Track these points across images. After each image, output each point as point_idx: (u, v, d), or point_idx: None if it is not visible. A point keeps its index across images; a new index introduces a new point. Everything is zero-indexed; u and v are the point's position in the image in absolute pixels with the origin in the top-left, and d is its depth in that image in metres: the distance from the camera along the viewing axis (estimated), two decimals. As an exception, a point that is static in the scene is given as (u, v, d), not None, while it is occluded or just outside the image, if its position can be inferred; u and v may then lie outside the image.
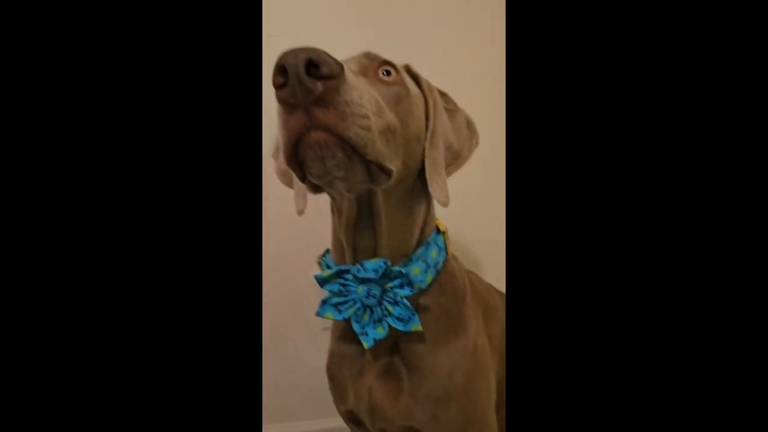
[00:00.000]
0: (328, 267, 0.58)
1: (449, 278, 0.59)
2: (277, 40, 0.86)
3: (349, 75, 0.39)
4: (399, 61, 0.60)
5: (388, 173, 0.44)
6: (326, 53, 0.36)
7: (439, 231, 0.60)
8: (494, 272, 1.01)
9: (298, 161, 0.40)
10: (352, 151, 0.40)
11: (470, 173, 0.94)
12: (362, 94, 0.40)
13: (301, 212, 0.58)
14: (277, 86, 0.37)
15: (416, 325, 0.52)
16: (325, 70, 0.36)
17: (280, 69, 0.36)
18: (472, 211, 0.99)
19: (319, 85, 0.36)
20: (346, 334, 0.61)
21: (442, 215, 0.92)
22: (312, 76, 0.36)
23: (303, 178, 0.44)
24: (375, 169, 0.43)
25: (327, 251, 0.63)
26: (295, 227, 0.90)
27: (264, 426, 0.96)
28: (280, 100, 0.38)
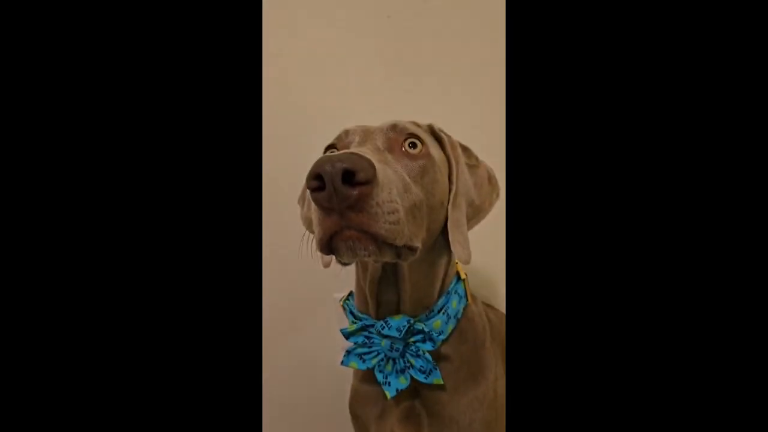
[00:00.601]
0: (352, 313, 0.60)
1: (469, 325, 0.61)
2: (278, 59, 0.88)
3: (380, 173, 0.41)
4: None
5: (414, 250, 0.46)
6: (361, 158, 0.38)
7: (459, 278, 0.62)
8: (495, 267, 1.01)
9: (333, 249, 0.43)
10: (383, 242, 0.42)
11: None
12: (392, 188, 0.42)
13: (327, 266, 0.60)
14: (313, 189, 0.38)
15: (437, 379, 0.54)
16: (361, 176, 0.38)
17: (316, 176, 0.37)
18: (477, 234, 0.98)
19: (355, 193, 0.38)
20: (368, 374, 0.63)
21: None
22: (347, 183, 0.38)
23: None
24: (403, 250, 0.44)
25: (350, 294, 0.65)
26: (295, 228, 0.93)
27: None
28: (316, 203, 0.40)
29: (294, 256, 0.96)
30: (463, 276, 0.62)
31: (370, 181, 0.39)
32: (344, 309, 0.62)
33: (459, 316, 0.59)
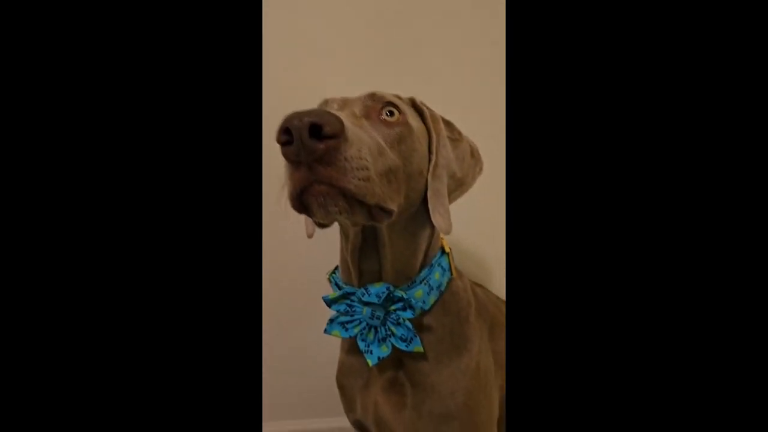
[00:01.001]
0: (337, 284, 0.61)
1: (453, 298, 0.61)
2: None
3: (350, 130, 0.42)
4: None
5: (389, 212, 0.47)
6: (327, 113, 0.39)
7: (443, 252, 0.62)
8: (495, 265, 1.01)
9: (304, 206, 0.44)
10: (353, 198, 0.43)
11: (484, 183, 0.95)
12: (362, 146, 0.43)
13: (310, 236, 0.61)
14: (282, 143, 0.40)
15: (417, 347, 0.55)
16: (327, 130, 0.39)
17: (285, 130, 0.39)
18: (474, 216, 0.99)
19: (321, 146, 0.39)
20: (353, 346, 0.64)
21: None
22: (315, 137, 0.39)
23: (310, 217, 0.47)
24: (376, 210, 0.45)
25: (336, 268, 0.66)
26: (297, 223, 0.95)
27: (264, 423, 1.01)
28: (285, 156, 0.41)
29: (292, 253, 0.98)
30: (447, 250, 0.63)
31: (338, 135, 0.40)
32: (330, 282, 0.64)
33: (442, 288, 0.60)
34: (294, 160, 0.40)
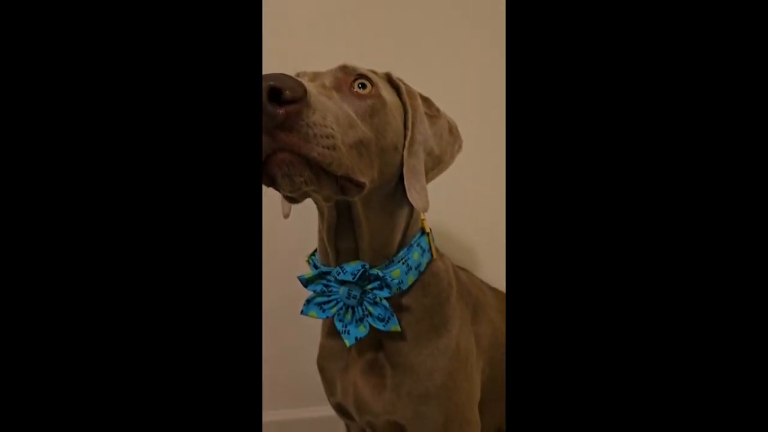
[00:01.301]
0: (315, 266, 0.60)
1: (433, 279, 0.61)
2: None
3: (313, 97, 0.41)
4: (389, 67, 0.61)
5: (360, 185, 0.46)
6: (289, 77, 0.38)
7: (423, 232, 0.62)
8: (493, 266, 1.01)
9: (270, 178, 0.43)
10: (319, 168, 0.42)
11: (472, 172, 0.94)
12: (327, 113, 0.42)
13: (286, 216, 0.60)
14: None
15: (395, 326, 0.54)
16: (287, 95, 0.38)
17: None
18: (473, 207, 0.99)
19: (281, 111, 0.38)
20: (333, 329, 0.64)
21: (441, 214, 0.92)
22: (274, 102, 0.38)
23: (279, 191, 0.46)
24: (345, 183, 0.44)
25: (316, 250, 0.65)
26: (293, 218, 0.94)
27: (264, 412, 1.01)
28: None
29: (292, 248, 0.97)
30: (428, 230, 0.62)
31: (298, 100, 0.39)
32: (309, 263, 0.63)
33: (422, 269, 0.59)
34: None
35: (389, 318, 0.54)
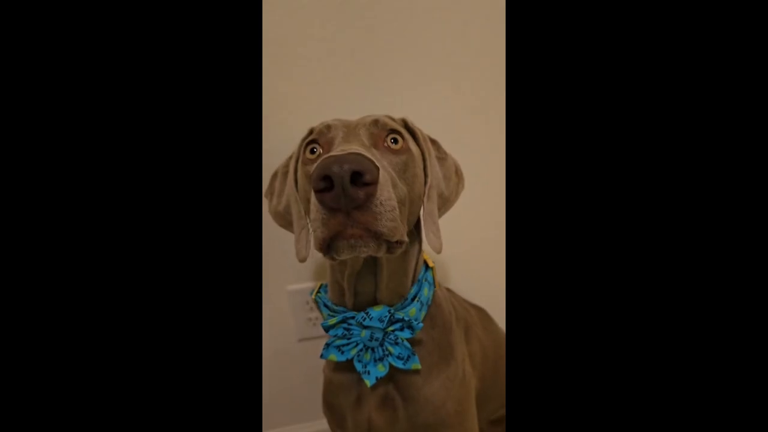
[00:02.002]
0: (326, 305, 0.60)
1: (437, 310, 0.64)
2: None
3: (382, 173, 0.42)
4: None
5: (403, 243, 0.48)
6: (366, 159, 0.39)
7: (427, 267, 0.65)
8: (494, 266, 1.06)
9: (332, 249, 0.43)
10: (383, 239, 0.43)
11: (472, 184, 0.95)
12: (389, 187, 0.43)
13: (304, 259, 0.60)
14: (319, 190, 0.38)
15: (415, 364, 0.57)
16: (368, 178, 0.38)
17: (324, 177, 0.37)
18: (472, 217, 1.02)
19: (362, 194, 0.39)
20: (340, 364, 0.64)
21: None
22: (354, 184, 0.38)
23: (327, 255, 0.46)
24: (393, 244, 0.46)
25: (321, 287, 0.65)
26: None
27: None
28: (323, 203, 0.40)
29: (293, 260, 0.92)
30: (431, 265, 0.65)
31: (375, 182, 0.40)
32: (317, 303, 0.63)
33: (429, 302, 0.62)
34: (333, 207, 0.39)
35: (409, 356, 0.57)
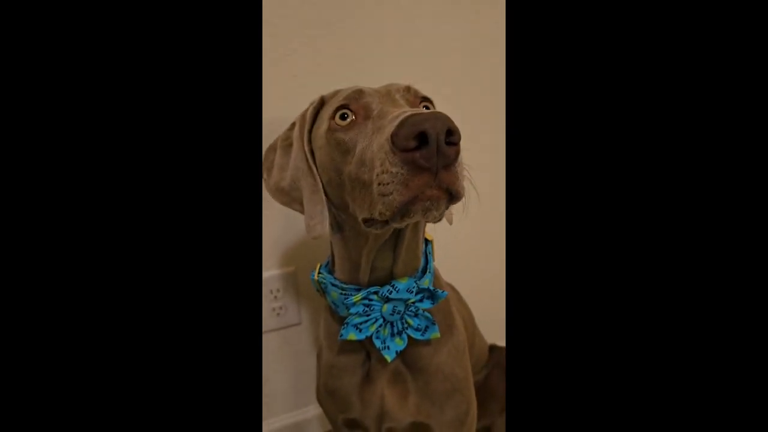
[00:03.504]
0: (333, 284, 0.58)
1: (438, 281, 0.65)
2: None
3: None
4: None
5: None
6: (447, 117, 0.38)
7: (427, 241, 0.65)
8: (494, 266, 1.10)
9: (402, 213, 0.41)
10: (454, 199, 0.42)
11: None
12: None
13: (318, 237, 0.56)
14: (408, 149, 0.37)
15: (435, 333, 0.57)
16: (456, 137, 0.38)
17: (419, 135, 0.36)
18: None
19: (453, 152, 0.38)
20: (344, 346, 0.62)
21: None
22: (448, 143, 0.38)
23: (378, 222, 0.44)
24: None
25: (321, 267, 0.62)
26: (293, 223, 0.87)
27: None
28: (413, 162, 0.38)
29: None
30: (431, 238, 0.66)
31: (459, 142, 0.39)
32: (320, 284, 0.60)
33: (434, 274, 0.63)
34: (424, 166, 0.38)
35: (427, 327, 0.57)
